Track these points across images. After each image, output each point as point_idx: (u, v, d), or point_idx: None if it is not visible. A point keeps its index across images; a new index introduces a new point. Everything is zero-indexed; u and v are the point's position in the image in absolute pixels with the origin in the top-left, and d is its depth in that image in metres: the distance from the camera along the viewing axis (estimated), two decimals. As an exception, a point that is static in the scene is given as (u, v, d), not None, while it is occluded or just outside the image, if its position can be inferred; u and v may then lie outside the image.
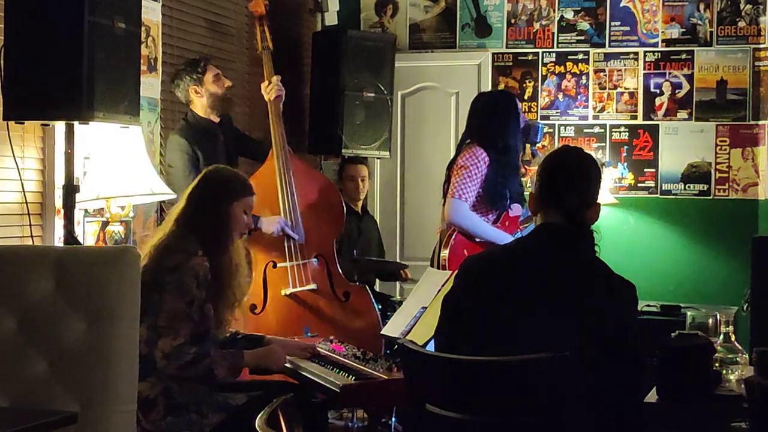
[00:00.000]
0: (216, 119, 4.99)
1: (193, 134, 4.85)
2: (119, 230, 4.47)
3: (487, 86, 6.55)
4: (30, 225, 4.03)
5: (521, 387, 2.62)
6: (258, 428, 2.62)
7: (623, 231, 6.31)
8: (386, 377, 3.61)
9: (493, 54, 6.62)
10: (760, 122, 6.16)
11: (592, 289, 2.76)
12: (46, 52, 3.52)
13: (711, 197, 6.25)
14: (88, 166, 4.28)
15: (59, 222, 4.14)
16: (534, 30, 6.56)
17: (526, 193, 4.71)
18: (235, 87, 5.26)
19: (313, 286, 5.01)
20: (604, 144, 6.42)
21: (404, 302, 4.19)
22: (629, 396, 2.73)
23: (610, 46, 6.43)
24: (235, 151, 5.14)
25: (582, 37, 6.48)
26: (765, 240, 3.95)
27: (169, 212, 3.85)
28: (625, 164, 6.39)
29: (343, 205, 5.34)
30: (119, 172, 4.19)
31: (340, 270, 5.16)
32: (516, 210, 4.96)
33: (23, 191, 3.96)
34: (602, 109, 6.44)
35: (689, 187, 6.29)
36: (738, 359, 2.94)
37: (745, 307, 4.63)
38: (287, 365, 3.88)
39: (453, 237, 4.82)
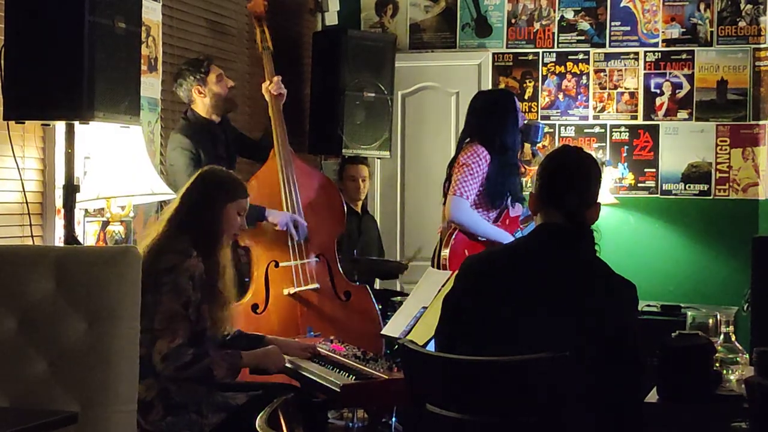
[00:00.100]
0: (217, 119, 4.99)
1: (195, 133, 4.84)
2: (119, 230, 4.48)
3: (488, 86, 6.55)
4: (30, 225, 4.03)
5: (521, 387, 2.62)
6: (258, 428, 2.62)
7: (623, 231, 6.31)
8: (386, 377, 3.61)
9: (494, 54, 6.62)
10: (761, 122, 6.16)
11: (592, 289, 2.76)
12: (47, 51, 3.52)
13: (711, 197, 6.25)
14: (89, 165, 4.28)
15: (59, 222, 4.14)
16: (534, 30, 6.56)
17: (526, 192, 4.71)
18: (235, 87, 5.26)
19: (316, 285, 5.01)
20: (604, 144, 6.42)
21: (404, 302, 4.19)
22: (629, 396, 2.73)
23: (610, 46, 6.43)
24: (234, 151, 5.14)
25: (582, 37, 6.48)
26: (765, 240, 3.95)
27: (161, 213, 3.84)
28: (626, 164, 6.39)
29: (344, 204, 5.34)
30: (119, 172, 4.19)
31: (341, 269, 5.17)
32: (516, 209, 4.97)
33: (23, 191, 3.96)
34: (602, 109, 6.44)
35: (689, 187, 6.29)
36: (738, 359, 2.93)
37: (745, 307, 4.62)
38: (288, 365, 3.88)
39: (454, 236, 4.82)
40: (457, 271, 2.99)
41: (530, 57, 6.57)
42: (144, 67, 4.56)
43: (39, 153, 4.22)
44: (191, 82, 4.89)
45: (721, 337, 3.00)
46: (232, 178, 3.84)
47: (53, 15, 3.51)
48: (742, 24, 6.20)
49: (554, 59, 6.52)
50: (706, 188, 6.26)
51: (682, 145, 6.30)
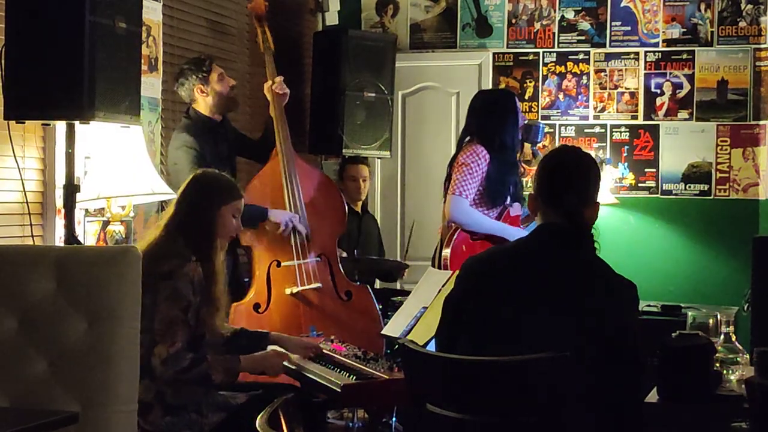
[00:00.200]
0: (219, 118, 4.98)
1: (198, 131, 4.83)
2: (120, 230, 4.48)
3: (488, 86, 6.55)
4: (31, 225, 4.03)
5: (521, 387, 2.62)
6: (259, 428, 2.62)
7: (624, 231, 6.31)
8: (387, 377, 3.61)
9: (494, 54, 6.62)
10: (761, 122, 6.16)
11: (592, 289, 2.76)
12: (47, 51, 3.52)
13: (711, 197, 6.25)
14: (89, 165, 4.28)
15: (60, 222, 4.14)
16: (535, 30, 6.56)
17: (527, 192, 4.72)
18: (236, 86, 5.26)
19: (318, 284, 5.02)
20: (604, 144, 6.41)
21: (405, 302, 4.19)
22: (629, 396, 2.73)
23: (610, 46, 6.43)
24: (234, 151, 5.14)
25: (583, 37, 6.48)
26: (765, 240, 3.95)
27: (160, 217, 3.84)
28: (626, 164, 6.39)
29: (345, 204, 5.34)
30: (120, 171, 4.19)
31: (342, 269, 5.17)
32: (516, 209, 4.97)
33: (24, 191, 3.96)
34: (603, 109, 6.44)
35: (690, 187, 6.29)
36: (738, 359, 2.93)
37: (745, 307, 4.62)
38: (288, 365, 3.87)
39: (454, 236, 4.82)
40: (458, 272, 2.99)
41: (531, 57, 6.57)
42: (144, 67, 4.56)
43: (39, 153, 4.22)
44: (193, 82, 4.88)
45: (722, 337, 3.00)
46: (225, 181, 3.83)
47: (54, 15, 3.52)
48: (742, 24, 6.20)
49: (555, 59, 6.52)
50: (706, 188, 6.26)
51: (683, 145, 6.30)
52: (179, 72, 4.93)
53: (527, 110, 6.47)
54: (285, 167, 5.07)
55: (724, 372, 2.89)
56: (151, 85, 4.87)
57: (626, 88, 6.40)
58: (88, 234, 4.41)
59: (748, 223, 6.07)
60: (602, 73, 6.43)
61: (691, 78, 6.29)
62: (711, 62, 6.26)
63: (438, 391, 2.73)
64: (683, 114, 6.30)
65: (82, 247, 3.73)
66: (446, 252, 4.81)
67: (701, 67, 6.27)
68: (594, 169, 2.92)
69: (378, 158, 6.33)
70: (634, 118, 6.39)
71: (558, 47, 6.52)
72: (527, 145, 5.46)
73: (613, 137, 6.42)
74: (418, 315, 3.91)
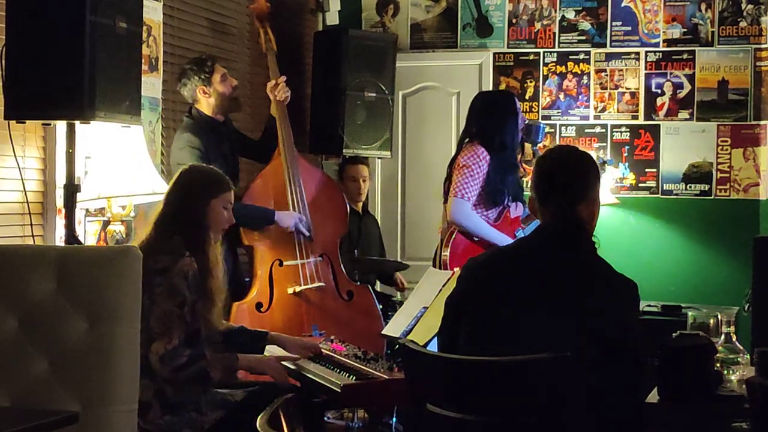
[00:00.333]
0: (221, 118, 4.98)
1: (202, 131, 4.82)
2: (120, 230, 4.48)
3: (489, 86, 6.55)
4: (31, 224, 4.03)
5: (522, 387, 2.62)
6: (259, 428, 2.62)
7: (624, 231, 6.31)
8: (387, 377, 3.61)
9: (495, 54, 6.62)
10: (762, 122, 6.15)
11: (592, 289, 2.76)
12: (48, 51, 3.53)
13: (712, 197, 6.25)
14: (89, 165, 4.29)
15: (60, 221, 4.14)
16: (535, 30, 6.56)
17: (527, 192, 4.72)
18: (238, 87, 5.26)
19: (321, 283, 5.03)
20: (605, 144, 6.41)
21: (405, 302, 4.20)
22: (630, 396, 2.73)
23: (611, 46, 6.43)
24: (236, 151, 5.14)
25: (583, 37, 6.48)
26: (766, 240, 3.94)
27: (149, 215, 3.82)
28: (626, 164, 6.39)
29: (347, 204, 5.35)
30: (120, 171, 4.19)
31: (343, 269, 5.17)
32: (516, 209, 4.97)
33: (24, 191, 3.96)
34: (603, 109, 6.44)
35: (690, 187, 6.29)
36: (739, 359, 2.93)
37: (746, 308, 4.62)
38: (289, 366, 3.87)
39: (454, 236, 4.82)
40: (459, 272, 3.00)
41: (531, 57, 6.57)
42: (145, 67, 4.56)
43: (40, 153, 4.22)
44: (196, 83, 4.86)
45: (722, 337, 2.99)
46: (214, 173, 3.81)
47: (54, 15, 3.52)
48: (743, 24, 6.20)
49: (555, 59, 6.52)
50: (706, 188, 6.26)
51: (683, 145, 6.30)
52: (181, 72, 4.92)
53: (528, 110, 6.47)
54: (288, 167, 5.07)
55: (725, 372, 2.89)
56: (152, 85, 4.87)
57: (627, 88, 6.39)
58: (89, 234, 4.42)
59: (749, 224, 6.07)
60: (603, 73, 6.43)
61: (691, 78, 6.29)
62: (711, 62, 6.26)
63: (438, 391, 2.73)
64: (684, 114, 6.30)
65: (83, 247, 3.73)
66: (446, 252, 4.82)
67: (702, 67, 6.27)
68: (583, 165, 2.89)
69: (378, 158, 6.33)
70: (635, 118, 6.38)
71: (558, 47, 6.52)
72: (528, 146, 5.46)
73: (614, 137, 6.42)
74: (418, 315, 3.91)
